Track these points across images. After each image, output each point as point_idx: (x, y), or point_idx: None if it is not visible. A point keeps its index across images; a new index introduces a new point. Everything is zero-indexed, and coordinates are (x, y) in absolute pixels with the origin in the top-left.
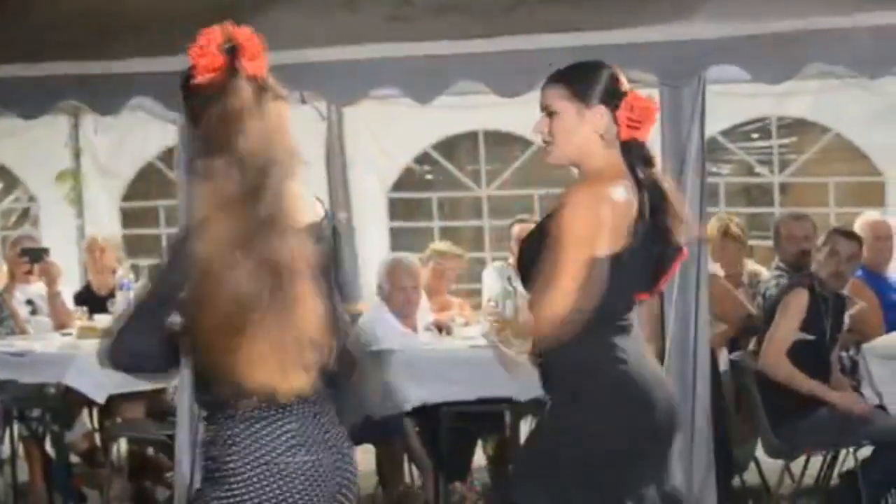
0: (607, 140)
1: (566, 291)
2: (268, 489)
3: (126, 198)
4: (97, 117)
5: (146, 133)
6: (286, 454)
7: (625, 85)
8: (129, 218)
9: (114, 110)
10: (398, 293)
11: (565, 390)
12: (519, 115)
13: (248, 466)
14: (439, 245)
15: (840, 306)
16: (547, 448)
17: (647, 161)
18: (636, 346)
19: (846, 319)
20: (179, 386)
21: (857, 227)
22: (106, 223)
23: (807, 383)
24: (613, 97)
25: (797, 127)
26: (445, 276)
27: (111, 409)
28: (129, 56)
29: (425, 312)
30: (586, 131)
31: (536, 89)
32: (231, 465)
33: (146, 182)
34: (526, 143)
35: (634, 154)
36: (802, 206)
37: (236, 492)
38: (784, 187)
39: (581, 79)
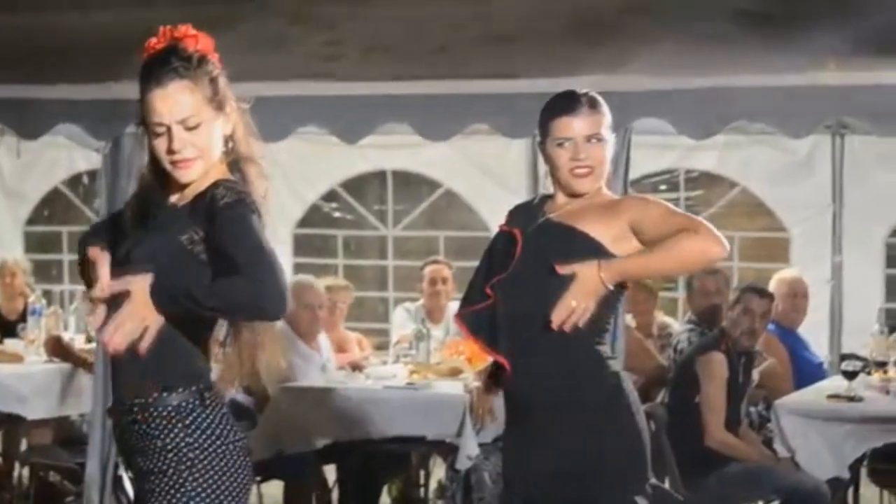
0: None
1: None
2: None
3: (30, 221)
4: (20, 141)
5: (54, 158)
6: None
7: None
8: (31, 242)
9: (38, 135)
10: (304, 312)
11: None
12: (427, 156)
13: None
14: (325, 280)
15: (749, 361)
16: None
17: None
18: None
19: (755, 375)
20: (92, 413)
21: (773, 283)
22: (8, 246)
23: (752, 452)
24: None
25: (704, 180)
26: (337, 310)
27: (16, 435)
28: (57, 82)
29: (327, 349)
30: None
31: (462, 133)
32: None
33: (51, 207)
34: (433, 185)
35: None
36: None
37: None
38: None
39: (605, 107)
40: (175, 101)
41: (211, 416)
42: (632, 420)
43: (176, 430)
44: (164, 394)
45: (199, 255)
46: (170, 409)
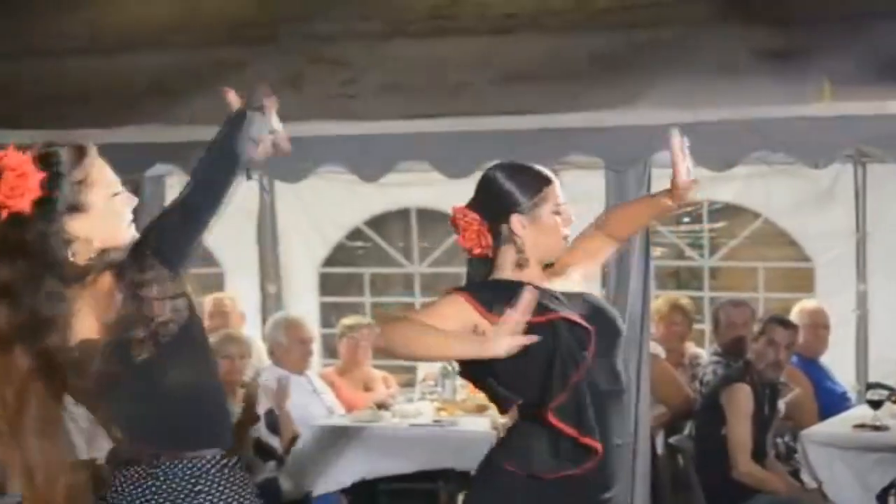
0: None
1: None
2: None
3: None
4: None
5: None
6: None
7: None
8: None
9: None
10: (297, 347)
11: None
12: (451, 193)
13: None
14: (347, 320)
15: (775, 393)
16: None
17: None
18: None
19: (781, 406)
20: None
21: (795, 313)
22: None
23: (780, 483)
24: None
25: (727, 212)
26: (361, 348)
27: None
28: (77, 126)
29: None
30: None
31: (481, 170)
32: None
33: None
34: None
35: None
36: (732, 290)
37: None
38: (714, 271)
39: None
40: None
41: None
42: None
43: None
44: None
45: None
46: None
